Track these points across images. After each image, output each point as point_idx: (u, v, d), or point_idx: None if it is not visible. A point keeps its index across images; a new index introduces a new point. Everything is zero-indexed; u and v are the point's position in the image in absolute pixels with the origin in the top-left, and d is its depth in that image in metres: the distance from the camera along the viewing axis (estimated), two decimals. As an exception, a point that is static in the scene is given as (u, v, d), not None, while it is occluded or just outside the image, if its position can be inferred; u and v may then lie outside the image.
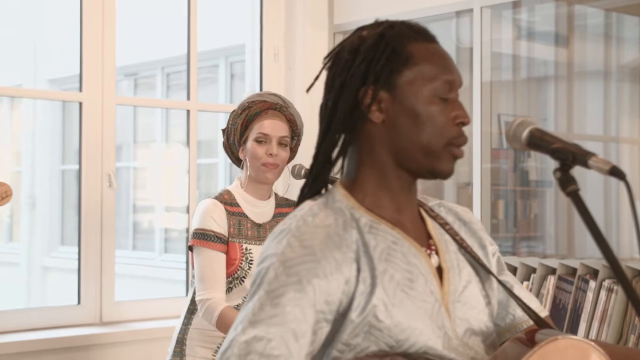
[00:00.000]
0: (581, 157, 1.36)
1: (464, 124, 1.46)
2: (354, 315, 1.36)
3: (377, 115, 1.45)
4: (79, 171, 3.77)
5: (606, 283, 3.02)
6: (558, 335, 1.35)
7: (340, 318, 1.37)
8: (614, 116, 4.39)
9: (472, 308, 1.48)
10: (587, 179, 3.97)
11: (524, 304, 1.51)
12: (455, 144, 1.45)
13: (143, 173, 8.86)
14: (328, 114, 1.48)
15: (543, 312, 1.58)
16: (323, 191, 1.52)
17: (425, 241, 1.50)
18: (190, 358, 2.76)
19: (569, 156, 1.37)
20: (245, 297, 2.72)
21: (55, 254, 8.42)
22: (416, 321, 1.38)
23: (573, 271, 3.20)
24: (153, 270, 7.76)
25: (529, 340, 1.37)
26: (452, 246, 1.52)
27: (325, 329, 1.36)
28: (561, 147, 1.38)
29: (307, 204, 1.46)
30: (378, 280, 1.38)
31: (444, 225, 1.54)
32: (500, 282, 1.53)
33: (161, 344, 3.52)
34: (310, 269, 1.35)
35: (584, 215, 1.33)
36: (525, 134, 1.44)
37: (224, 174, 7.38)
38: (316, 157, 1.49)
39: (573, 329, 3.09)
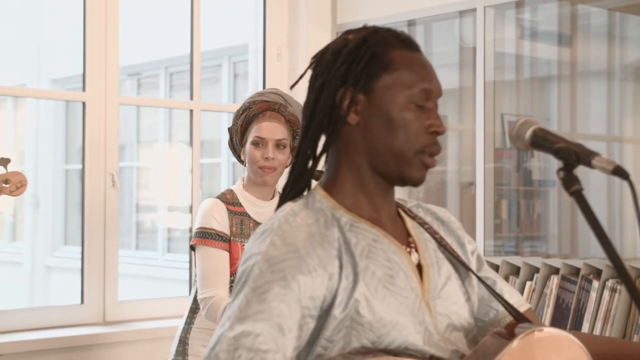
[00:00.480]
0: (585, 156, 1.36)
1: (438, 133, 1.48)
2: (337, 311, 1.38)
3: (353, 117, 1.47)
4: (82, 171, 3.77)
5: (609, 283, 3.01)
6: (536, 328, 1.39)
7: (324, 315, 1.39)
8: (617, 116, 4.38)
9: (453, 304, 1.50)
10: (591, 179, 3.96)
11: (503, 299, 1.53)
12: (427, 152, 1.47)
13: (146, 173, 8.86)
14: (309, 113, 1.51)
15: (524, 305, 1.60)
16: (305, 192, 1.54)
17: (405, 239, 1.52)
18: (193, 357, 2.75)
19: (573, 156, 1.37)
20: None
21: (58, 253, 8.43)
22: (398, 316, 1.41)
23: (576, 271, 3.20)
24: (156, 270, 7.77)
25: (509, 334, 1.40)
26: (432, 244, 1.55)
27: (311, 325, 1.38)
28: (564, 146, 1.39)
29: (288, 205, 1.48)
30: (360, 277, 1.40)
31: (422, 224, 1.56)
32: (479, 278, 1.55)
33: (164, 344, 3.52)
34: (295, 265, 1.37)
35: (588, 215, 1.33)
36: (528, 133, 1.44)
37: (227, 174, 7.38)
38: (297, 156, 1.51)
39: (576, 329, 3.09)
